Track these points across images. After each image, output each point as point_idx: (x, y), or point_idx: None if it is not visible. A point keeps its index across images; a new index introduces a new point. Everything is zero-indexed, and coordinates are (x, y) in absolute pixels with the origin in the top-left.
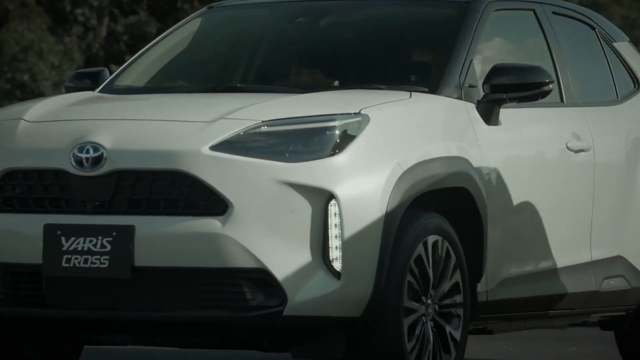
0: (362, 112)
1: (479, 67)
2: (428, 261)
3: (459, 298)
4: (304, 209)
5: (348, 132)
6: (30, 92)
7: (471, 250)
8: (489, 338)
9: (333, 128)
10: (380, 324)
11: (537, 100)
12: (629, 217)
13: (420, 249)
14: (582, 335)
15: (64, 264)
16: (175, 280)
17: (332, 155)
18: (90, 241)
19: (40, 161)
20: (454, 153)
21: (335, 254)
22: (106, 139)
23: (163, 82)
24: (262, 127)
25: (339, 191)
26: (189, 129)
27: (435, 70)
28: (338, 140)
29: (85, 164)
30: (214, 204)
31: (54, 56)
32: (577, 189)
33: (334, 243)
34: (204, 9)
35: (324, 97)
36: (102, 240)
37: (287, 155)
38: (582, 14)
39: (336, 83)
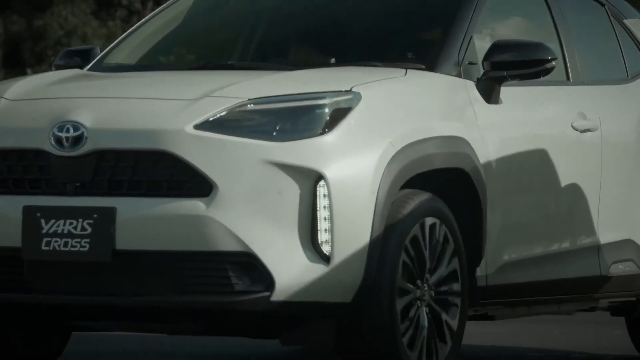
0: (353, 89)
1: (480, 44)
2: (424, 243)
3: (456, 286)
4: (292, 190)
5: (338, 111)
6: None
7: (470, 234)
8: (534, 322)
9: (323, 106)
10: (372, 306)
11: (540, 77)
12: (639, 199)
13: (416, 229)
14: None
15: (43, 247)
16: (158, 264)
17: (321, 134)
18: (71, 224)
19: (20, 141)
20: (450, 132)
21: (324, 236)
22: (87, 118)
23: (155, 60)
24: (249, 105)
25: (328, 172)
26: (172, 107)
27: (433, 47)
28: (328, 119)
29: (65, 143)
30: (198, 185)
31: (98, 40)
32: (583, 170)
33: (323, 225)
34: None
35: (314, 75)
36: (82, 222)
37: (274, 134)
38: None
39: (333, 60)
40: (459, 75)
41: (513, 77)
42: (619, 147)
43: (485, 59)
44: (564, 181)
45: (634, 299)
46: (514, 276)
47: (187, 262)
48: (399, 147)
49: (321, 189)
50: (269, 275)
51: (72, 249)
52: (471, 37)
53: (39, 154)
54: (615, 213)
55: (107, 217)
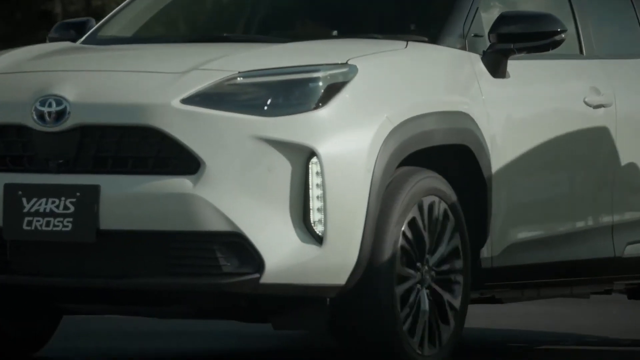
0: (349, 62)
1: (486, 16)
2: (423, 224)
3: (458, 263)
4: (283, 168)
5: (333, 84)
6: None
7: (474, 214)
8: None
9: (316, 79)
10: (368, 292)
11: (548, 50)
12: None
13: (414, 211)
14: None
15: (25, 227)
16: (143, 244)
17: (314, 109)
18: (53, 202)
19: (1, 116)
20: (453, 108)
21: (316, 216)
22: (70, 92)
23: (151, 33)
24: (238, 79)
25: (320, 148)
26: (158, 80)
27: (437, 19)
28: (322, 93)
29: (48, 118)
30: (185, 162)
31: None
32: (596, 147)
33: (316, 205)
34: None
35: (308, 47)
36: (65, 201)
37: (265, 109)
38: None
39: (335, 33)
40: (463, 48)
41: (520, 50)
42: (634, 123)
43: (491, 31)
44: (575, 159)
45: None
46: (521, 257)
47: (173, 243)
48: (396, 123)
49: (314, 166)
50: (258, 256)
51: (55, 228)
52: (477, 8)
53: (21, 129)
54: (631, 191)
55: (90, 195)
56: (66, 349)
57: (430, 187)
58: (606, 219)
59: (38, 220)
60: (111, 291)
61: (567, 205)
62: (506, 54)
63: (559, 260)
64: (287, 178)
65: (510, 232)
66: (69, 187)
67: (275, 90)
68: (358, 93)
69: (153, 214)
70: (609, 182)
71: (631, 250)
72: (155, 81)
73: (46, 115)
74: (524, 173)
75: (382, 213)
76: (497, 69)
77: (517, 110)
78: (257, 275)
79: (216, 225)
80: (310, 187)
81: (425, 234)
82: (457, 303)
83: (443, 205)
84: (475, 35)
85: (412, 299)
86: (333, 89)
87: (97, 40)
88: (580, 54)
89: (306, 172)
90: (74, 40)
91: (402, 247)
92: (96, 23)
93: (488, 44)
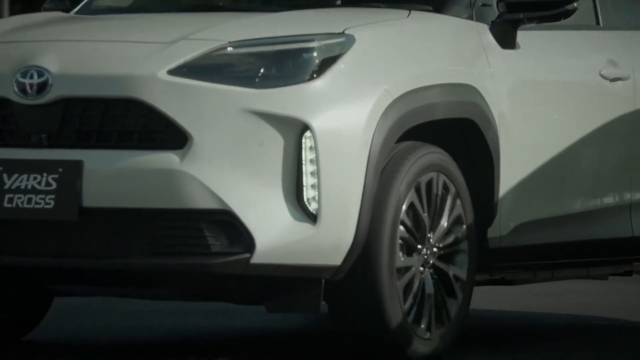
0: (346, 32)
1: None
2: (422, 206)
3: (461, 232)
4: (275, 142)
5: (328, 55)
6: None
7: (480, 191)
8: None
9: (311, 50)
10: (367, 283)
11: (560, 20)
12: None
13: (412, 195)
14: None
15: (6, 205)
16: (127, 223)
17: (308, 81)
18: (35, 178)
19: None
20: (457, 80)
21: (310, 193)
22: (52, 63)
23: (150, 3)
24: (229, 49)
25: (314, 121)
26: (144, 51)
27: None
28: (317, 64)
29: (29, 90)
30: (171, 136)
31: None
32: (613, 122)
33: (309, 181)
34: None
35: (304, 16)
36: (47, 177)
37: (256, 80)
38: None
39: (338, 2)
40: (470, 18)
41: (530, 20)
42: None
43: None
44: (591, 134)
45: None
46: (531, 237)
47: (159, 221)
48: (396, 95)
49: (307, 141)
50: (248, 235)
51: (36, 206)
52: None
53: (2, 102)
54: None
55: (73, 171)
56: (64, 328)
57: (430, 164)
58: (624, 197)
59: (19, 197)
60: (96, 272)
61: (582, 183)
62: (515, 24)
63: (573, 240)
64: (280, 153)
65: (520, 210)
66: (51, 162)
67: (267, 61)
68: (355, 64)
69: (138, 190)
70: (627, 158)
71: None
72: (141, 51)
73: (27, 87)
74: (533, 149)
75: (379, 191)
76: (506, 40)
77: (527, 83)
78: (247, 255)
79: (204, 202)
80: (304, 162)
81: (425, 215)
82: (463, 274)
83: (442, 178)
84: (483, 5)
85: (415, 287)
86: (328, 60)
87: (92, 11)
88: (597, 25)
89: (299, 147)
90: (68, 10)
91: (402, 233)
92: None
93: (497, 13)
